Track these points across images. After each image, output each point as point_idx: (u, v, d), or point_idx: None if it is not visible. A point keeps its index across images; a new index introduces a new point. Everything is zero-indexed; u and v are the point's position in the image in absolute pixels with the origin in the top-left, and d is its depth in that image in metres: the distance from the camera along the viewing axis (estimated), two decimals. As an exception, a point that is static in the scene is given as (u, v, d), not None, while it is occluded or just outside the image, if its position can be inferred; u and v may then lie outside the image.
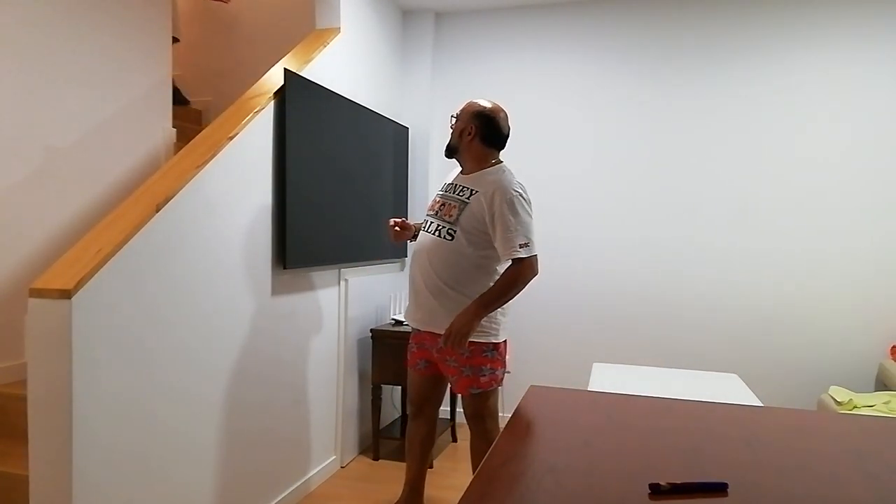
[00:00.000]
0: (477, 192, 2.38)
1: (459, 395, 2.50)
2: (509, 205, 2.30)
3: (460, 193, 2.44)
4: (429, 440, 2.66)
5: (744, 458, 1.23)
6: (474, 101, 2.50)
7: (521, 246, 2.29)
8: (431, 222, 2.48)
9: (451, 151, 2.52)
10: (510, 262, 2.35)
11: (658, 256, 3.78)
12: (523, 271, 2.32)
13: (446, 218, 2.42)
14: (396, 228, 2.52)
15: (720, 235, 3.68)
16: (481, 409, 2.46)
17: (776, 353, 3.60)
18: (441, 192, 2.54)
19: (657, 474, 1.14)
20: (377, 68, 3.76)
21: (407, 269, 4.13)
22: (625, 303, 3.84)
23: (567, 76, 3.93)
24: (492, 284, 2.37)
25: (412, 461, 2.65)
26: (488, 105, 2.46)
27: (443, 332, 2.37)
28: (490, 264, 2.41)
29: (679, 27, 3.72)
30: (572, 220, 3.93)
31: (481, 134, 2.43)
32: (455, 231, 2.38)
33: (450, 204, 2.44)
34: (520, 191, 2.35)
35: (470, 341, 2.34)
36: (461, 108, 2.51)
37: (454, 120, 2.51)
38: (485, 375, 2.41)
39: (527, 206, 2.35)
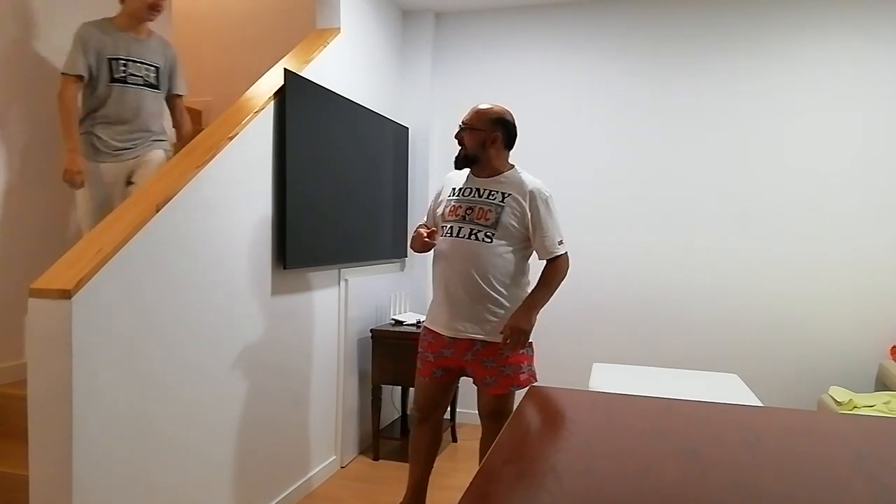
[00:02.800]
0: (510, 194, 2.41)
1: (477, 393, 2.50)
2: (545, 205, 2.43)
3: (491, 197, 2.42)
4: (434, 445, 2.64)
5: (744, 459, 1.23)
6: (484, 107, 2.46)
7: (559, 243, 2.44)
8: (461, 227, 2.43)
9: (469, 161, 2.47)
10: (545, 261, 2.46)
11: (658, 257, 3.78)
12: (563, 266, 2.47)
13: (481, 222, 2.40)
14: (426, 238, 2.43)
15: (720, 236, 3.68)
16: (504, 408, 2.46)
17: (776, 353, 3.60)
18: (463, 198, 2.47)
19: (657, 474, 1.14)
20: (377, 68, 3.75)
21: (407, 269, 4.13)
22: (625, 303, 3.84)
23: (567, 77, 3.92)
24: (525, 282, 2.48)
25: (416, 465, 2.63)
26: (502, 108, 2.47)
27: (482, 336, 2.40)
28: (525, 263, 2.50)
29: (681, 28, 3.72)
30: (571, 222, 3.91)
31: (505, 140, 2.48)
32: (493, 234, 2.39)
33: (482, 208, 2.42)
34: (549, 192, 2.47)
35: None
36: (471, 115, 2.45)
37: (463, 128, 2.45)
38: (524, 372, 2.45)
39: (555, 206, 2.48)
